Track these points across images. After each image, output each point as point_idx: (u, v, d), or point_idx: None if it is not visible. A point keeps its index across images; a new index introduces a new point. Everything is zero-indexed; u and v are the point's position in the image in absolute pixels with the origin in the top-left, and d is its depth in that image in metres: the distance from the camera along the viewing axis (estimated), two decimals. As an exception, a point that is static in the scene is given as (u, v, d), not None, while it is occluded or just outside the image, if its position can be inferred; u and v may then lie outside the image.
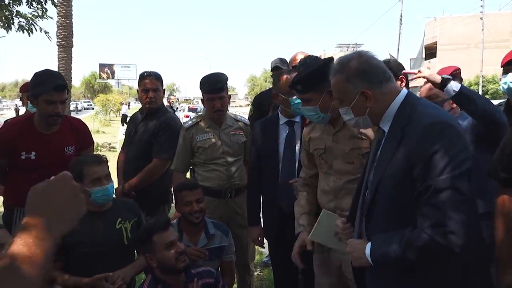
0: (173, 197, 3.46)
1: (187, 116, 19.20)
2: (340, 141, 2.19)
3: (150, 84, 3.22)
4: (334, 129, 2.22)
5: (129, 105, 32.08)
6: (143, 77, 3.25)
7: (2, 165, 2.70)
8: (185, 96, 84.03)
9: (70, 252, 2.29)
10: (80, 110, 44.71)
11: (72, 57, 12.73)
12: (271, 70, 4.17)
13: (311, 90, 2.17)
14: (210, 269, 2.40)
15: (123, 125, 20.71)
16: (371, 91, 1.58)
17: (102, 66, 56.89)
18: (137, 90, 3.37)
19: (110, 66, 57.11)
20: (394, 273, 1.58)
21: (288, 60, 4.13)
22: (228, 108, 3.32)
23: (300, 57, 3.83)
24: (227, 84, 3.05)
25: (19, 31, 6.84)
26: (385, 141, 1.60)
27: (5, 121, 4.11)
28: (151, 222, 2.26)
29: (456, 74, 2.90)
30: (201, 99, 3.16)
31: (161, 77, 3.30)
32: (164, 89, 3.37)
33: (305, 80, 2.19)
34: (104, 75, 56.78)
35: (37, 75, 2.65)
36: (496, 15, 31.10)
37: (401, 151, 1.48)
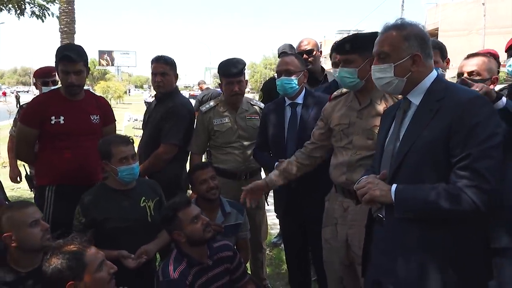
0: (186, 183, 3.57)
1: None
2: (364, 117, 2.26)
3: (157, 68, 3.22)
4: (361, 106, 2.28)
5: (129, 92, 31.99)
6: (154, 61, 3.27)
7: (34, 137, 2.82)
8: (185, 83, 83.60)
9: (98, 228, 2.43)
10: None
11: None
12: (279, 56, 4.24)
13: (357, 52, 2.21)
14: (228, 242, 2.54)
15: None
16: (421, 57, 1.70)
17: (101, 53, 56.49)
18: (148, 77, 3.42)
19: (109, 53, 56.73)
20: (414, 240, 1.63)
21: (293, 45, 4.23)
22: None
23: (305, 43, 3.93)
24: (245, 68, 3.16)
25: (32, 16, 6.85)
26: (417, 112, 1.70)
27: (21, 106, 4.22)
28: (175, 201, 2.37)
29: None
30: (219, 84, 3.26)
31: (172, 61, 3.28)
32: (177, 74, 3.35)
33: (355, 40, 2.24)
34: (104, 62, 56.42)
35: (57, 49, 2.82)
36: (498, 0, 30.85)
37: (438, 121, 1.59)
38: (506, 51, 2.73)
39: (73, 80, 2.74)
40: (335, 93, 2.52)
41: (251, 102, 3.33)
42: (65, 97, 2.83)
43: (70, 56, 2.72)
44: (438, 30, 31.97)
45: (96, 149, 2.57)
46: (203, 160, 3.43)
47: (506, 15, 27.30)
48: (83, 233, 2.37)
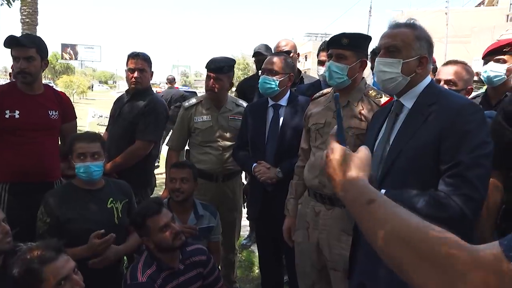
0: (155, 180, 3.48)
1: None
2: None
3: (136, 64, 3.16)
4: None
5: (92, 88, 31.10)
6: (130, 56, 3.20)
7: None
8: (151, 81, 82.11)
9: (62, 229, 2.29)
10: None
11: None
12: (253, 56, 4.20)
13: (353, 49, 2.17)
14: (202, 246, 2.46)
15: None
16: (427, 60, 1.68)
17: (64, 46, 54.65)
18: (125, 70, 3.31)
19: (73, 46, 55.00)
20: None
21: (269, 46, 4.19)
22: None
23: (283, 43, 3.90)
24: (229, 69, 3.08)
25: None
26: (409, 116, 1.68)
27: None
28: (144, 207, 2.27)
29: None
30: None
31: (149, 58, 3.26)
32: (152, 72, 3.32)
33: (354, 36, 2.19)
34: (67, 56, 54.58)
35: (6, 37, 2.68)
36: (460, 10, 32.19)
37: (429, 126, 1.57)
38: (483, 58, 2.79)
39: (24, 66, 2.58)
40: (316, 94, 2.49)
41: (236, 102, 3.24)
42: (21, 91, 2.66)
43: (19, 39, 2.59)
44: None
45: (54, 146, 2.43)
46: (184, 157, 3.34)
47: (467, 25, 28.50)
48: (52, 236, 2.24)
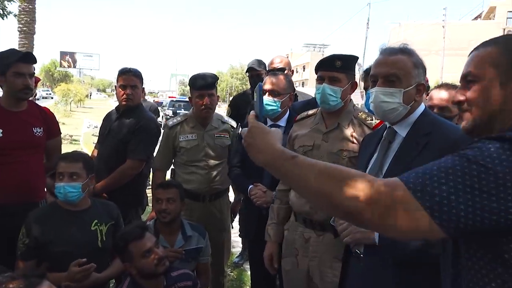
0: (147, 200, 3.41)
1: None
2: (330, 140, 2.17)
3: (128, 80, 3.08)
4: (327, 128, 2.20)
5: (90, 96, 31.08)
6: (122, 72, 3.12)
7: None
8: (149, 89, 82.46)
9: (42, 251, 2.22)
10: (38, 99, 42.69)
11: (34, 45, 12.18)
12: (246, 71, 4.16)
13: (345, 72, 2.14)
14: (188, 271, 2.38)
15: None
16: (424, 88, 1.65)
17: (63, 54, 54.69)
18: (115, 86, 3.25)
19: (72, 54, 54.97)
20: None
21: (263, 61, 4.15)
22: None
23: (277, 60, 3.85)
24: (217, 83, 3.03)
25: None
26: (403, 144, 1.62)
27: None
28: (126, 231, 2.19)
29: None
30: (189, 97, 3.12)
31: (141, 74, 3.19)
32: (144, 88, 3.26)
33: (347, 58, 2.15)
34: (65, 64, 54.60)
35: (1, 53, 2.61)
36: (456, 24, 32.44)
37: (427, 155, 1.49)
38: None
39: (29, 83, 2.54)
40: (300, 115, 2.42)
41: (222, 120, 3.17)
42: (4, 109, 2.58)
43: (30, 55, 2.56)
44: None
45: (39, 164, 2.37)
46: (168, 177, 3.26)
47: (464, 38, 28.72)
48: (31, 258, 2.21)
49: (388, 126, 1.73)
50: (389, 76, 1.63)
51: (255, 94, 1.30)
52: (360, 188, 0.91)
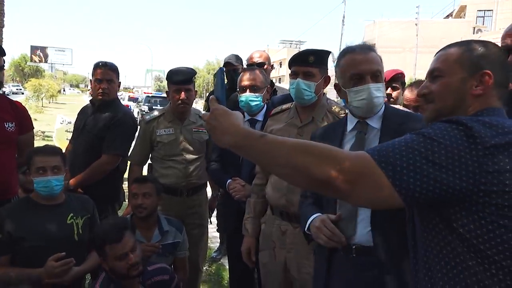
0: (124, 195, 3.37)
1: (127, 106, 18.57)
2: (305, 134, 2.18)
3: (104, 74, 3.02)
4: (302, 122, 2.23)
5: (64, 91, 30.35)
6: (98, 66, 3.07)
7: None
8: (124, 85, 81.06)
9: (16, 246, 2.18)
10: (7, 95, 41.44)
11: (2, 38, 11.79)
12: (223, 66, 4.14)
13: (319, 66, 2.17)
14: (165, 266, 2.38)
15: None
16: None
17: (34, 49, 53.07)
18: (90, 80, 3.19)
19: (43, 48, 53.42)
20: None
21: (240, 56, 4.15)
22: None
23: (257, 55, 3.84)
24: (194, 78, 3.02)
25: None
26: (383, 135, 1.69)
27: None
28: (105, 231, 2.14)
29: (399, 77, 3.03)
30: (166, 92, 3.10)
31: (117, 68, 3.13)
32: (120, 82, 3.20)
33: (319, 53, 2.18)
34: (36, 58, 53.03)
35: None
36: (429, 22, 33.13)
37: None
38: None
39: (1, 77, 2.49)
40: (275, 109, 2.44)
41: (200, 114, 3.15)
42: None
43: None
44: (375, 46, 33.60)
45: (11, 160, 2.32)
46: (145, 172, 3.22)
47: (436, 36, 29.34)
48: (5, 254, 2.18)
49: (357, 120, 1.77)
50: (376, 72, 1.73)
51: (214, 78, 1.33)
52: (331, 159, 1.01)
